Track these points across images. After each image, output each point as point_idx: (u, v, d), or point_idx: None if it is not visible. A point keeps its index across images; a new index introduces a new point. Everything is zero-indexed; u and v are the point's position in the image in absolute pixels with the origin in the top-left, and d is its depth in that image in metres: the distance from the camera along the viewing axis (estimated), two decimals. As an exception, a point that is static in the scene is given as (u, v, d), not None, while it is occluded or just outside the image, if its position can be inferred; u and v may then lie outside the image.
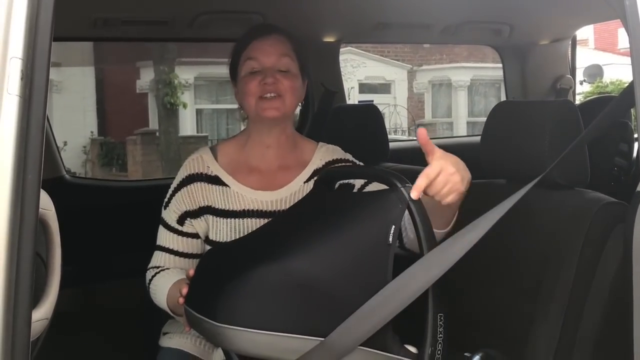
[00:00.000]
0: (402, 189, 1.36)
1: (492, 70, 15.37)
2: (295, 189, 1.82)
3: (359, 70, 14.74)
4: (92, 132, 13.38)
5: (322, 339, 1.28)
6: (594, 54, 16.05)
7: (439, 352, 1.36)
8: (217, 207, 1.80)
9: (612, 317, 1.51)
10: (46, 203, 1.11)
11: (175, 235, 1.83)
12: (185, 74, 12.56)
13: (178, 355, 1.81)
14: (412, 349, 1.38)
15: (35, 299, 1.10)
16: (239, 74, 1.80)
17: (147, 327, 2.02)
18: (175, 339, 1.84)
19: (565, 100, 1.75)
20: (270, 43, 1.78)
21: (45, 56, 1.04)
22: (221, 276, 1.37)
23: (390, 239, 1.33)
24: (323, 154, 1.88)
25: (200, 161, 1.84)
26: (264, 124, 1.80)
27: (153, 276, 1.81)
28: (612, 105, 1.50)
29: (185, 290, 1.47)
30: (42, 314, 1.10)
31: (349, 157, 1.91)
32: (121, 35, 2.84)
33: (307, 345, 1.28)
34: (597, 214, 1.56)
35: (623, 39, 20.91)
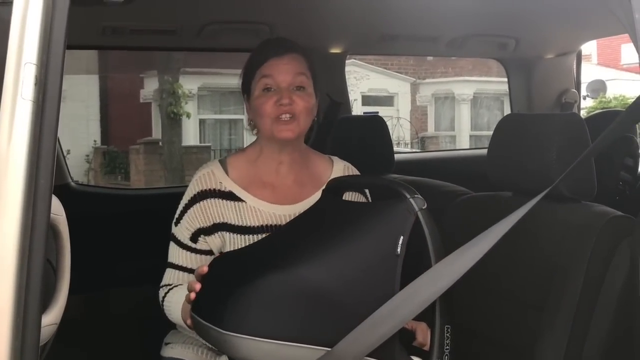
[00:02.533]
0: (410, 199, 1.36)
1: (496, 84, 15.40)
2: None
3: (362, 82, 14.76)
4: (95, 140, 13.41)
5: (329, 348, 1.28)
6: (597, 69, 16.08)
7: (445, 363, 1.36)
8: (233, 223, 1.76)
9: (619, 330, 1.51)
10: (57, 208, 1.11)
11: (188, 252, 1.80)
12: (189, 84, 12.60)
13: None
14: (419, 360, 1.38)
15: (45, 304, 1.10)
16: (253, 90, 1.77)
17: (150, 335, 2.00)
18: (177, 349, 1.83)
19: (573, 114, 1.76)
20: (287, 61, 1.75)
21: (59, 62, 1.05)
22: (229, 284, 1.36)
23: (399, 250, 1.33)
24: (341, 172, 1.87)
25: (212, 177, 1.80)
26: (276, 143, 1.78)
27: (167, 293, 1.78)
28: (619, 119, 1.50)
29: (197, 287, 1.44)
30: (51, 319, 1.10)
31: None
32: (129, 44, 2.85)
33: (314, 354, 1.28)
34: (604, 228, 1.56)
35: (626, 55, 20.95)
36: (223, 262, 1.51)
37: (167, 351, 1.85)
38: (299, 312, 1.29)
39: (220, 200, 1.78)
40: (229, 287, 1.34)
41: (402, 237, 1.33)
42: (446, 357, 1.36)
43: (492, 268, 1.54)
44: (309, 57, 1.81)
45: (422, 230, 1.36)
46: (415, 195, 1.37)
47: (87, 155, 13.31)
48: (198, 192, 1.79)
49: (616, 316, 1.52)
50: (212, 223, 1.77)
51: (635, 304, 1.41)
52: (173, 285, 1.79)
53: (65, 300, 1.14)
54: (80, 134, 13.09)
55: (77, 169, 12.84)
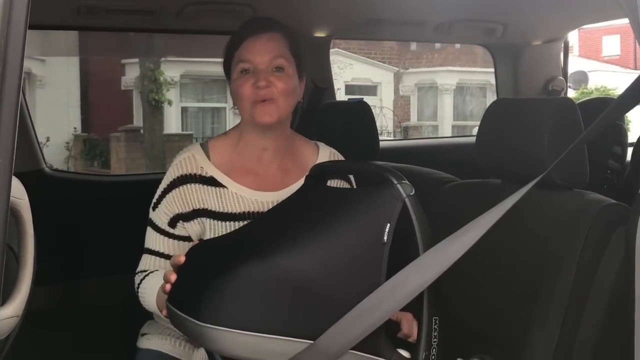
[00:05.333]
0: (398, 185, 1.31)
1: (479, 74, 15.47)
2: None
3: (345, 71, 14.75)
4: (75, 128, 13.29)
5: (312, 341, 1.23)
6: (579, 61, 16.21)
7: (433, 357, 1.31)
8: (213, 209, 1.71)
9: (612, 321, 1.47)
10: (19, 191, 1.04)
11: (166, 238, 1.74)
12: (171, 72, 12.51)
13: (157, 357, 1.74)
14: (405, 354, 1.33)
15: (5, 295, 1.02)
16: (232, 74, 1.72)
17: (127, 326, 1.95)
18: (154, 340, 1.78)
19: (566, 98, 1.71)
20: (263, 42, 1.69)
21: (19, 41, 1.00)
22: (206, 273, 1.30)
23: (385, 238, 1.27)
24: (328, 158, 1.82)
25: (193, 161, 1.73)
26: (258, 128, 1.71)
27: (142, 279, 1.72)
28: (613, 106, 1.46)
29: (173, 277, 1.38)
30: (11, 311, 1.02)
31: None
32: (106, 25, 2.76)
33: (296, 348, 1.23)
34: (598, 216, 1.51)
35: (607, 47, 21.19)
36: (200, 250, 1.44)
37: (143, 342, 1.80)
38: (280, 303, 1.23)
39: (200, 185, 1.72)
40: (206, 277, 1.28)
41: (388, 225, 1.28)
42: (434, 349, 1.31)
43: (481, 258, 1.49)
44: (290, 36, 1.74)
45: (410, 218, 1.31)
46: (403, 181, 1.32)
47: (67, 143, 13.19)
48: (178, 177, 1.73)
49: (609, 307, 1.47)
50: (191, 209, 1.71)
51: (629, 295, 1.36)
52: (149, 272, 1.73)
53: (28, 290, 1.07)
54: (60, 121, 12.99)
55: (57, 157, 12.74)
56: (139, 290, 1.72)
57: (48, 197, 2.60)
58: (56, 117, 12.81)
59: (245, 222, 1.67)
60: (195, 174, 1.72)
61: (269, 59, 1.67)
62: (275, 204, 1.67)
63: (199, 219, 1.71)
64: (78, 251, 2.63)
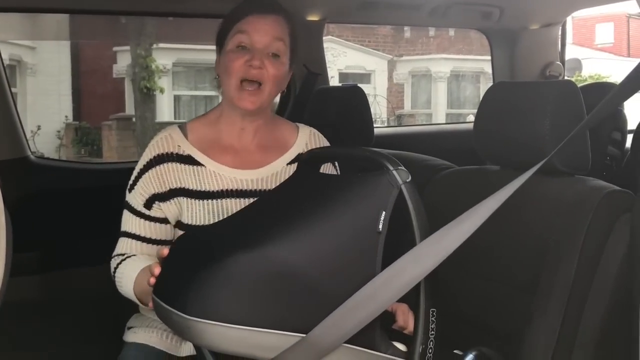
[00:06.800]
0: (394, 171, 1.25)
1: (473, 62, 15.43)
2: (277, 169, 1.71)
3: (339, 59, 14.70)
4: (66, 116, 13.21)
5: (303, 335, 1.17)
6: (572, 48, 16.21)
7: (430, 350, 1.26)
8: (191, 188, 1.66)
9: (615, 311, 1.42)
10: None
11: (142, 220, 1.69)
12: (163, 59, 12.42)
13: (143, 351, 1.70)
14: (402, 347, 1.28)
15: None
16: (226, 44, 1.66)
17: (115, 318, 1.91)
18: (141, 334, 1.74)
19: (568, 81, 1.64)
20: (267, 22, 1.64)
21: None
22: (193, 264, 1.24)
23: (380, 227, 1.22)
24: (307, 138, 1.78)
25: (170, 140, 1.70)
26: (238, 110, 1.68)
27: (119, 264, 1.68)
28: (615, 91, 1.40)
29: (157, 270, 1.33)
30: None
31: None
32: (97, 8, 2.69)
33: (287, 341, 1.17)
34: (601, 203, 1.45)
35: (600, 35, 21.21)
36: (186, 241, 1.39)
37: (129, 336, 1.76)
38: (269, 295, 1.17)
39: (178, 164, 1.67)
40: (192, 268, 1.22)
41: (384, 213, 1.23)
42: (431, 342, 1.26)
43: (480, 247, 1.44)
44: (291, 23, 1.70)
45: (406, 206, 1.25)
46: (399, 167, 1.26)
47: (59, 131, 13.12)
48: (154, 157, 1.69)
49: (612, 298, 1.42)
50: (168, 189, 1.67)
51: (634, 283, 1.32)
52: (126, 256, 1.68)
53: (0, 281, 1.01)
54: (52, 109, 12.93)
55: (49, 146, 12.67)
56: (116, 274, 1.68)
57: (33, 185, 2.55)
58: (47, 105, 12.74)
59: (224, 200, 1.64)
60: (172, 153, 1.68)
61: (268, 40, 1.63)
62: (253, 181, 1.65)
63: (175, 199, 1.67)
64: (65, 240, 2.57)
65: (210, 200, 1.66)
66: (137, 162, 1.74)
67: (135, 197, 1.69)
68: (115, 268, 1.68)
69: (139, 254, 1.69)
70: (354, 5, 2.86)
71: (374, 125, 2.66)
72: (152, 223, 1.69)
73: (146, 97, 11.74)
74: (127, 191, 1.72)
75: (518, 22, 3.25)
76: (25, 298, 2.43)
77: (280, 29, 1.66)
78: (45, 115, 12.69)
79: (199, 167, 1.68)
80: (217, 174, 1.67)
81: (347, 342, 1.19)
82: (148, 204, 1.68)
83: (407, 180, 1.26)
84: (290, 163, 1.72)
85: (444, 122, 15.29)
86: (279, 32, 1.65)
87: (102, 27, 11.38)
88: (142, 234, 1.69)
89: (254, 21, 1.64)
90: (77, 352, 2.42)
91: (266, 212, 1.38)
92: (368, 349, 1.23)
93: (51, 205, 2.54)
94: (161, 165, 1.68)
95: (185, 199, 1.66)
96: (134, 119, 12.10)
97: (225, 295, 1.17)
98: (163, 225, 1.69)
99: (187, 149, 1.69)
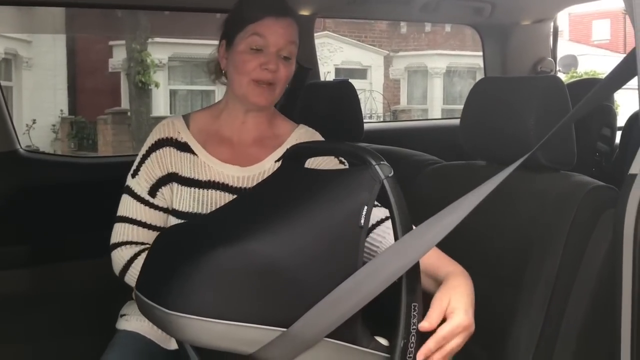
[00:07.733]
0: (376, 166, 1.25)
1: (469, 57, 15.43)
2: (265, 168, 1.74)
3: (335, 54, 14.70)
4: (62, 110, 13.20)
5: (285, 329, 1.17)
6: (569, 45, 16.24)
7: (411, 344, 1.26)
8: (183, 174, 1.72)
9: (598, 307, 1.42)
10: None
11: (146, 207, 1.72)
12: (159, 54, 12.40)
13: (133, 339, 1.71)
14: (383, 341, 1.28)
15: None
16: (237, 43, 1.68)
17: (107, 308, 1.92)
18: (133, 322, 1.75)
19: (553, 76, 1.64)
20: (283, 25, 1.68)
21: None
22: (175, 258, 1.24)
23: (362, 221, 1.21)
24: (301, 136, 1.80)
25: (171, 126, 1.76)
26: (246, 104, 1.72)
27: (136, 254, 1.68)
28: (601, 85, 1.41)
29: None
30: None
31: None
32: (92, 1, 2.70)
33: (268, 336, 1.17)
34: (585, 199, 1.45)
35: (597, 31, 21.22)
36: (169, 235, 1.38)
37: (122, 324, 1.77)
38: (251, 290, 1.17)
39: (175, 150, 1.73)
40: (174, 262, 1.22)
41: (366, 208, 1.22)
42: (412, 337, 1.26)
43: (463, 242, 1.45)
44: (300, 24, 1.75)
45: (388, 200, 1.25)
46: (382, 162, 1.26)
47: (54, 125, 13.11)
48: (156, 141, 1.75)
49: (595, 292, 1.42)
50: (166, 172, 1.72)
51: (616, 279, 1.32)
52: (141, 249, 1.69)
53: None
54: (47, 103, 12.92)
55: (44, 140, 12.67)
56: (132, 267, 1.67)
57: (23, 178, 2.54)
58: (43, 99, 12.73)
59: (209, 191, 1.70)
60: (171, 138, 1.74)
61: (283, 43, 1.67)
62: (239, 179, 1.72)
63: (170, 183, 1.72)
64: (55, 234, 2.56)
65: (197, 189, 1.70)
66: (129, 155, 1.76)
67: (140, 183, 1.73)
68: (132, 259, 1.68)
69: (139, 239, 1.70)
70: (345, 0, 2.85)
71: (367, 121, 2.66)
72: (155, 211, 1.72)
73: (141, 91, 11.73)
74: (129, 176, 1.75)
75: (509, 18, 3.24)
76: (15, 291, 2.43)
77: (294, 32, 1.70)
78: (41, 109, 12.68)
79: (193, 156, 1.73)
80: (206, 164, 1.72)
81: (329, 336, 1.19)
82: (152, 192, 1.72)
83: (390, 175, 1.26)
84: (278, 160, 1.73)
85: (440, 117, 15.31)
86: (293, 36, 1.69)
87: (98, 21, 11.36)
88: (143, 220, 1.71)
89: (270, 24, 1.67)
90: (65, 345, 2.42)
91: (248, 207, 1.38)
92: (350, 343, 1.22)
93: (40, 198, 2.53)
94: (161, 149, 1.73)
95: (176, 184, 1.71)
96: (129, 114, 12.09)
97: (206, 290, 1.17)
98: (165, 214, 1.72)
99: (186, 137, 1.75)
